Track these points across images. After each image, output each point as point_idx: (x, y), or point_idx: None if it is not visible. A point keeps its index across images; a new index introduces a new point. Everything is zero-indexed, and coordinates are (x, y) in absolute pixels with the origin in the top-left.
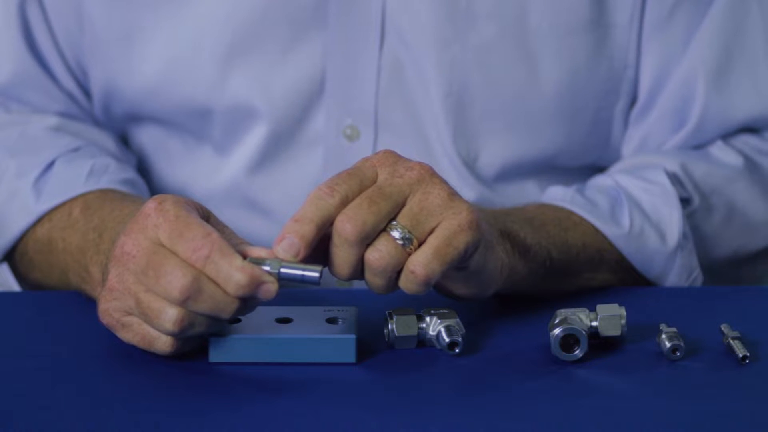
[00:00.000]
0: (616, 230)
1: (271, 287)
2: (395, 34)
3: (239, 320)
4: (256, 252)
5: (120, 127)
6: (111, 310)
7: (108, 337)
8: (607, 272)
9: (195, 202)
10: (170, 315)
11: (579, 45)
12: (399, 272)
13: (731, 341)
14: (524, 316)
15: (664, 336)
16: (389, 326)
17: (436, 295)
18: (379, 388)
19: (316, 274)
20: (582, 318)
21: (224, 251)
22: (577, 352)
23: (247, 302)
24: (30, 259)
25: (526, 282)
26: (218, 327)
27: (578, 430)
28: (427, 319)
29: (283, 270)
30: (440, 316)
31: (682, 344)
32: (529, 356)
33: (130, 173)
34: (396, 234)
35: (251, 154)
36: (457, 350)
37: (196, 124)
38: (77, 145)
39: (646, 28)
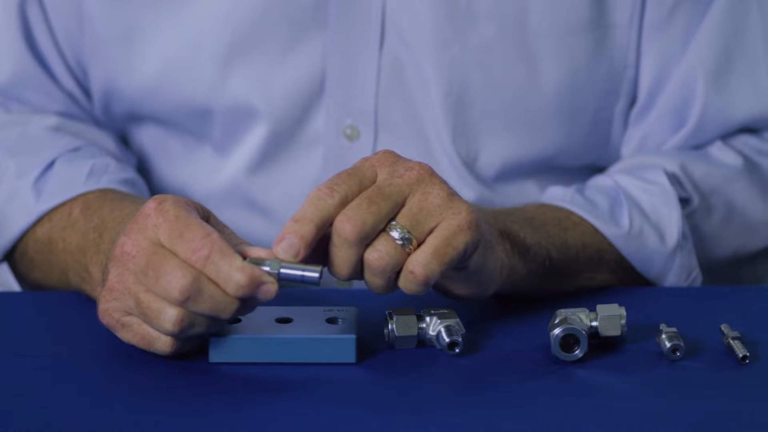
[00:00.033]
0: (616, 230)
1: (270, 288)
2: (395, 34)
3: (239, 320)
4: (255, 252)
5: (120, 127)
6: (111, 310)
7: (108, 337)
8: (607, 272)
9: (195, 203)
10: (170, 315)
11: (579, 45)
12: (398, 272)
13: (731, 341)
14: (524, 316)
15: (664, 336)
16: (389, 326)
17: (436, 295)
18: (379, 388)
19: (316, 275)
20: (582, 318)
21: (224, 252)
22: (577, 352)
23: (247, 302)
24: (30, 259)
25: (525, 282)
26: (218, 327)
27: (578, 430)
28: (427, 319)
29: (282, 270)
30: (440, 316)
31: (682, 344)
32: (529, 356)
33: (130, 173)
34: (395, 234)
35: (251, 154)
36: (457, 350)
37: (196, 124)
38: (77, 145)
39: (646, 28)
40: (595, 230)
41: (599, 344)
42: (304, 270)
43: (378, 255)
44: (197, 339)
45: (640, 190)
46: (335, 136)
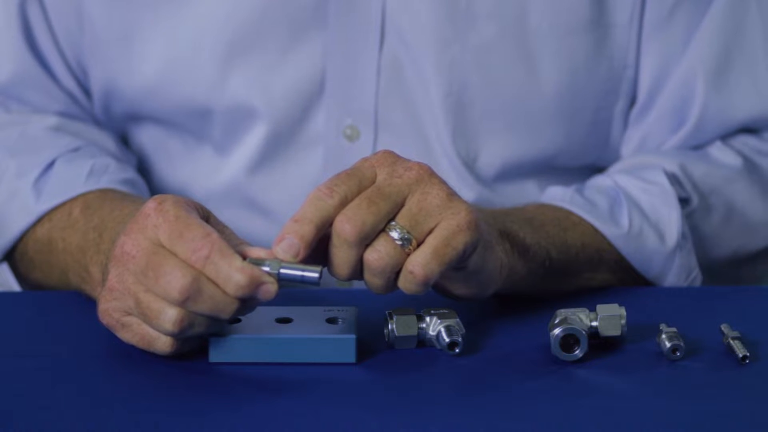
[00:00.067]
0: (615, 230)
1: (270, 288)
2: (395, 34)
3: (239, 320)
4: (255, 252)
5: (120, 126)
6: (111, 310)
7: (108, 337)
8: (607, 272)
9: (195, 203)
10: (170, 315)
11: (579, 45)
12: (398, 272)
13: (731, 341)
14: (524, 316)
15: (664, 336)
16: (389, 326)
17: (436, 295)
18: (379, 388)
19: (316, 275)
20: (582, 318)
21: (224, 252)
22: (577, 352)
23: (247, 303)
24: (30, 259)
25: (525, 282)
26: (218, 327)
27: (578, 430)
28: (427, 319)
29: (282, 270)
30: (440, 316)
31: (682, 344)
32: (529, 356)
33: (130, 173)
34: (395, 234)
35: (251, 154)
36: (457, 350)
37: (196, 124)
38: (77, 145)
39: (646, 28)
40: (595, 230)
41: (599, 344)
42: (304, 270)
43: (378, 255)
44: (197, 339)
45: (639, 190)
46: (335, 136)
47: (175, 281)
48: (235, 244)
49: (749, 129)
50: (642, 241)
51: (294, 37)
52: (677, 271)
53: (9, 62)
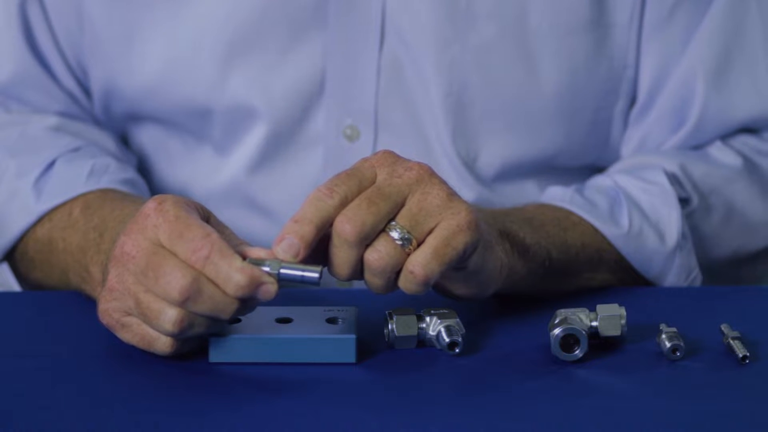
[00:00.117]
0: (615, 230)
1: (270, 288)
2: (395, 34)
3: (239, 320)
4: (255, 252)
5: (120, 126)
6: (111, 310)
7: (108, 337)
8: (607, 272)
9: (195, 203)
10: (170, 316)
11: (579, 45)
12: (398, 272)
13: (731, 341)
14: (524, 316)
15: (664, 336)
16: (389, 326)
17: (436, 295)
18: (379, 388)
19: (316, 275)
20: (582, 318)
21: (224, 252)
22: (577, 352)
23: (247, 303)
24: (30, 259)
25: (525, 282)
26: (218, 327)
27: (578, 430)
28: (427, 319)
29: (282, 271)
30: (440, 316)
31: (682, 344)
32: (529, 356)
33: (131, 173)
34: (395, 234)
35: (251, 154)
36: (457, 350)
37: (196, 124)
38: (77, 145)
39: (646, 28)
40: (595, 230)
41: (599, 344)
42: (304, 270)
43: (378, 255)
44: (197, 339)
45: (639, 190)
46: (335, 136)
47: (175, 281)
48: (235, 244)
49: (749, 129)
50: (642, 241)
51: (294, 37)
52: (677, 271)
53: (9, 62)
